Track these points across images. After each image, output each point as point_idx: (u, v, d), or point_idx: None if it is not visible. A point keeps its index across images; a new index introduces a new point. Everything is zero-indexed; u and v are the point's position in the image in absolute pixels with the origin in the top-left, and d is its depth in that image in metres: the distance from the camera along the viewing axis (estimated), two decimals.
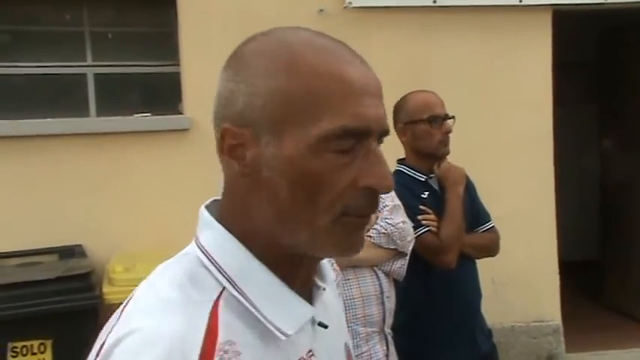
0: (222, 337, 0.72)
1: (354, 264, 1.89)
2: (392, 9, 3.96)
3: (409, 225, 2.07)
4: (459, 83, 4.01)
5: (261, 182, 0.75)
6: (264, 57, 0.76)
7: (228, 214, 0.80)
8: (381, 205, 2.03)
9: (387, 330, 1.96)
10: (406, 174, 2.46)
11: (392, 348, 1.96)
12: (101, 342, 0.74)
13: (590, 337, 4.54)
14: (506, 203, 4.05)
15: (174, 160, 3.75)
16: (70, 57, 3.81)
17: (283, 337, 0.76)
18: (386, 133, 0.79)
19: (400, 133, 2.43)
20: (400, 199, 2.12)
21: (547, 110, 4.23)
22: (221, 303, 0.74)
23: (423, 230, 2.32)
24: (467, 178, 2.52)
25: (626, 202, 5.11)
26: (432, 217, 2.35)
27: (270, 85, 0.74)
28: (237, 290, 0.75)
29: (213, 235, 0.79)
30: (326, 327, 0.84)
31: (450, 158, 2.50)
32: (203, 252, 0.78)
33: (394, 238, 1.96)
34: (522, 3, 4.10)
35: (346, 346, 0.93)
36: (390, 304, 1.96)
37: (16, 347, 2.86)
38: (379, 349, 1.89)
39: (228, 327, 0.73)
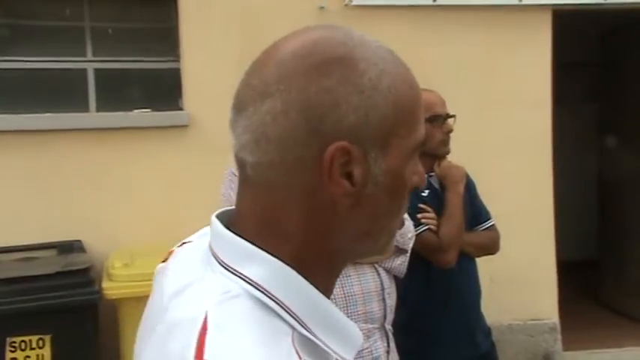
0: None
1: (355, 261, 1.89)
2: (392, 7, 3.97)
3: (410, 222, 2.07)
4: (459, 82, 4.01)
5: (364, 199, 0.71)
6: (372, 67, 0.70)
7: (277, 238, 0.71)
8: None
9: (388, 326, 1.96)
10: None
11: (393, 344, 1.96)
12: None
13: (587, 336, 4.56)
14: (505, 202, 4.04)
15: (173, 155, 3.75)
16: (70, 52, 3.80)
17: None
18: None
19: None
20: None
21: (546, 109, 4.23)
22: (297, 347, 0.68)
23: (423, 228, 2.32)
24: (467, 176, 2.53)
25: (624, 201, 5.13)
26: (432, 215, 2.36)
27: (385, 100, 0.70)
28: (305, 329, 0.69)
29: (268, 270, 0.69)
30: None
31: (449, 157, 2.51)
32: (262, 292, 0.68)
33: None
34: (522, 2, 4.11)
35: None
36: (391, 300, 1.96)
37: (14, 342, 2.86)
38: (380, 345, 1.90)
39: None
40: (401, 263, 2.00)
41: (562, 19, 4.21)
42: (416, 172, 0.76)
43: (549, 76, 4.21)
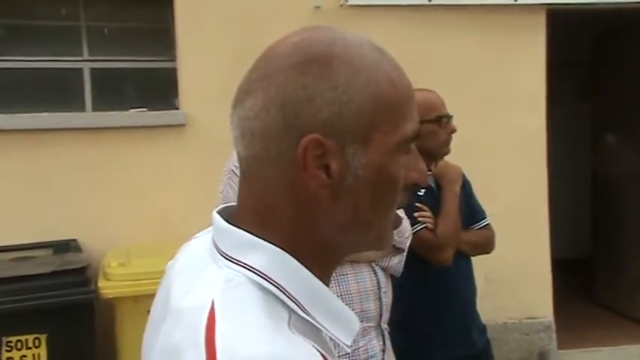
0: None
1: (352, 259, 1.89)
2: (387, 7, 3.98)
3: (407, 221, 2.07)
4: (453, 81, 4.02)
5: (344, 191, 0.74)
6: (347, 64, 0.73)
7: (272, 227, 0.75)
8: None
9: (384, 325, 1.96)
10: None
11: (388, 343, 1.97)
12: None
13: (581, 334, 4.59)
14: (500, 201, 4.07)
15: (170, 155, 3.75)
16: (66, 51, 3.80)
17: (348, 350, 0.79)
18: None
19: None
20: None
21: (541, 109, 4.26)
22: (292, 328, 0.71)
23: (420, 227, 2.33)
24: (463, 176, 2.55)
25: (618, 200, 5.16)
26: (429, 214, 2.37)
27: (361, 95, 0.73)
28: (305, 312, 0.73)
29: (267, 257, 0.73)
30: None
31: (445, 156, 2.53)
32: (263, 277, 0.72)
33: None
34: (517, 2, 4.12)
35: None
36: (387, 299, 1.97)
37: (10, 342, 2.86)
38: (376, 344, 1.90)
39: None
40: (398, 262, 2.00)
41: (556, 19, 4.23)
42: (415, 169, 0.79)
43: (544, 76, 4.23)
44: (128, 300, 2.86)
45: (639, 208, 4.94)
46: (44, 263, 3.10)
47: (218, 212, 0.79)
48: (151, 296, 0.88)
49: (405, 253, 2.03)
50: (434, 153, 2.45)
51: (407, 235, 2.03)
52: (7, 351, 2.86)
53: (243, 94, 0.76)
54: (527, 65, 4.24)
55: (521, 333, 4.34)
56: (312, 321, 0.73)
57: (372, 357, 1.89)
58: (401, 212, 2.05)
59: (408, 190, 0.80)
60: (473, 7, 4.11)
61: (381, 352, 1.92)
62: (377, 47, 0.78)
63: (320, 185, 0.73)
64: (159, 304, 0.83)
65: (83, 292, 2.94)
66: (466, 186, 2.56)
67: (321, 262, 0.77)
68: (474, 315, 2.54)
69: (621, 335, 4.63)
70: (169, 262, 0.89)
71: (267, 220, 0.75)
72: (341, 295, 1.84)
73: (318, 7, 3.89)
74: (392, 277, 2.06)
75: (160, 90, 3.91)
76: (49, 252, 3.39)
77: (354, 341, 1.84)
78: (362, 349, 1.86)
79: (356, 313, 1.85)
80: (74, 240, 3.51)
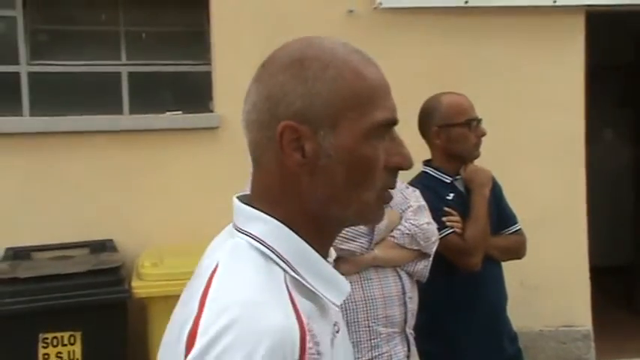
0: (302, 312, 0.84)
1: (376, 264, 1.89)
2: (422, 10, 3.94)
3: (433, 226, 2.06)
4: (489, 85, 3.98)
5: (319, 169, 0.87)
6: (318, 61, 0.88)
7: (272, 202, 0.90)
8: (404, 206, 2.03)
9: (409, 331, 1.95)
10: (432, 175, 2.46)
11: (413, 349, 1.96)
12: (187, 329, 0.79)
13: (620, 345, 4.46)
14: (537, 206, 4.00)
15: (204, 157, 3.80)
16: (105, 56, 3.89)
17: (336, 308, 0.92)
18: (397, 122, 0.94)
19: (434, 135, 2.42)
20: (425, 200, 2.12)
21: (579, 112, 4.17)
22: (288, 285, 0.85)
23: (448, 232, 2.31)
24: (493, 180, 2.51)
25: None
26: (457, 218, 2.35)
27: (328, 88, 0.87)
28: (295, 272, 0.87)
29: (265, 226, 0.88)
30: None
31: (480, 161, 2.49)
32: (260, 242, 0.87)
33: (418, 238, 1.96)
34: (556, 4, 4.05)
35: None
36: (413, 305, 1.96)
37: (46, 338, 2.94)
38: (400, 349, 1.89)
39: (301, 303, 0.85)
40: (423, 267, 1.99)
41: (596, 20, 4.14)
42: (398, 154, 0.91)
43: (582, 80, 4.15)
44: (160, 300, 2.91)
45: None
46: (80, 262, 3.17)
47: (238, 197, 0.94)
48: None
49: (430, 259, 2.01)
50: (464, 156, 2.44)
51: (433, 240, 2.02)
52: (44, 347, 2.94)
53: (247, 93, 0.93)
54: (565, 68, 4.16)
55: (557, 341, 4.25)
56: (302, 280, 0.87)
57: None
58: (428, 217, 2.04)
59: (392, 172, 0.91)
60: (510, 9, 4.05)
61: (406, 358, 1.91)
62: (353, 48, 0.92)
63: (297, 164, 0.87)
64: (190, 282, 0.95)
65: (116, 292, 3.00)
66: (496, 190, 2.53)
67: (316, 235, 0.90)
68: (505, 321, 2.50)
69: None
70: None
71: (268, 198, 0.90)
72: (365, 300, 1.84)
73: (351, 11, 3.88)
74: (418, 282, 2.05)
75: (195, 93, 3.97)
76: (85, 251, 3.46)
77: (377, 346, 1.84)
78: (386, 354, 1.85)
79: (380, 318, 1.85)
80: (110, 240, 3.58)
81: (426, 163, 2.51)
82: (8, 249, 3.44)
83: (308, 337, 0.82)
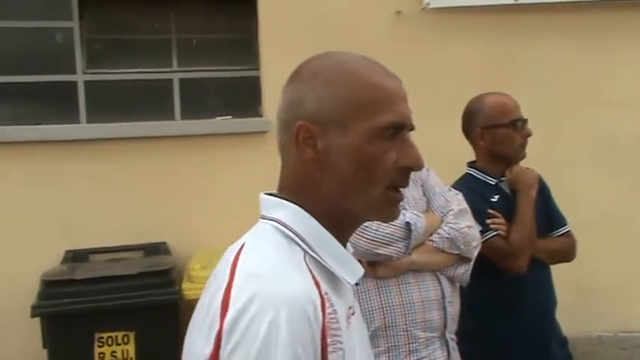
0: (322, 286, 0.94)
1: (414, 268, 1.88)
2: (470, 9, 3.89)
3: (475, 230, 2.02)
4: (542, 85, 3.90)
5: (330, 164, 0.99)
6: (329, 72, 1.01)
7: (294, 193, 1.02)
8: (446, 209, 2.00)
9: (450, 335, 1.92)
10: (476, 177, 2.43)
11: (454, 354, 1.92)
12: (219, 300, 0.91)
13: None
14: (595, 207, 3.90)
15: (254, 161, 3.83)
16: (157, 63, 4.00)
17: (349, 286, 1.03)
18: (413, 128, 1.04)
19: (478, 136, 2.38)
20: (469, 202, 2.08)
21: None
22: (308, 263, 0.97)
23: (492, 234, 2.28)
24: (541, 181, 2.46)
25: None
26: (501, 220, 2.31)
27: (337, 93, 0.99)
28: (314, 253, 0.98)
29: (288, 212, 1.01)
30: (357, 284, 1.07)
31: (533, 163, 2.44)
32: (284, 225, 0.99)
33: (457, 242, 1.93)
34: None
35: None
36: (453, 309, 1.93)
37: (102, 337, 3.04)
38: (439, 354, 1.86)
39: (320, 280, 0.95)
40: (464, 272, 1.96)
41: None
42: (408, 156, 1.01)
43: None
44: None
45: None
46: (134, 264, 3.26)
47: (265, 193, 1.07)
48: None
49: (471, 263, 1.98)
50: (509, 157, 2.39)
51: (474, 244, 1.98)
52: (99, 346, 3.04)
53: (280, 101, 1.07)
54: (625, 66, 4.02)
55: (617, 347, 4.11)
56: (319, 259, 0.98)
57: None
58: (470, 220, 2.01)
59: (403, 172, 1.01)
60: (563, 6, 3.95)
61: None
62: (367, 61, 1.04)
63: (310, 159, 1.00)
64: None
65: (167, 293, 3.08)
66: (544, 191, 2.47)
67: (334, 224, 1.01)
68: (553, 326, 2.44)
69: None
70: None
71: (290, 191, 1.03)
72: (402, 304, 1.83)
73: (399, 12, 3.86)
74: (461, 286, 2.02)
75: (244, 98, 4.03)
76: (140, 254, 3.56)
77: (416, 351, 1.83)
78: (424, 359, 1.83)
79: (418, 322, 1.83)
80: (164, 243, 3.67)
81: (471, 164, 2.47)
82: (68, 251, 3.57)
83: (327, 304, 0.92)
